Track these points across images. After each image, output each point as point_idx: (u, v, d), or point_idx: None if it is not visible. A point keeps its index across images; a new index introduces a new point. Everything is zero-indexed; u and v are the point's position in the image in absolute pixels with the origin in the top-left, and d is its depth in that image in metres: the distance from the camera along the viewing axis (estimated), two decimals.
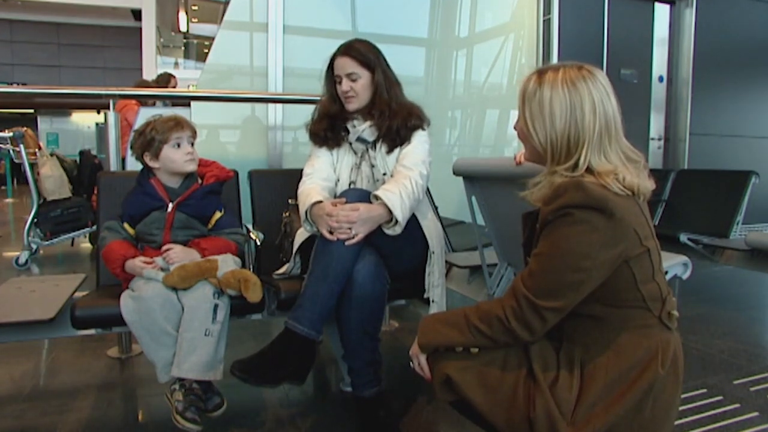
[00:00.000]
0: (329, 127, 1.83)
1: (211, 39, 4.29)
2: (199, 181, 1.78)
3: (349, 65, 1.76)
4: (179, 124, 1.71)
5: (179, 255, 1.59)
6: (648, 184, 1.06)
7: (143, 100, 4.28)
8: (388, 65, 1.83)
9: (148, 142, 1.68)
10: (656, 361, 1.02)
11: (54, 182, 4.16)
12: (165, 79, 4.85)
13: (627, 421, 0.99)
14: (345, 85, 1.76)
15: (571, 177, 1.03)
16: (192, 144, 1.74)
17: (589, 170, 1.04)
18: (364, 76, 1.77)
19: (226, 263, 1.60)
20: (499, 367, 1.08)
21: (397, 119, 1.77)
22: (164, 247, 1.62)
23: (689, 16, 4.72)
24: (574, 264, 0.98)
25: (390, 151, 1.79)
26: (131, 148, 1.74)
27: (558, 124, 1.05)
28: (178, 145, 1.69)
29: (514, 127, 1.18)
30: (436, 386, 1.13)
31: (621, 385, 1.01)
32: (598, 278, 1.00)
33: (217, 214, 1.76)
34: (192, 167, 1.73)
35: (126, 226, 1.69)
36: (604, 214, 0.97)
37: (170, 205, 1.69)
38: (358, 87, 1.76)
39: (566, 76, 1.06)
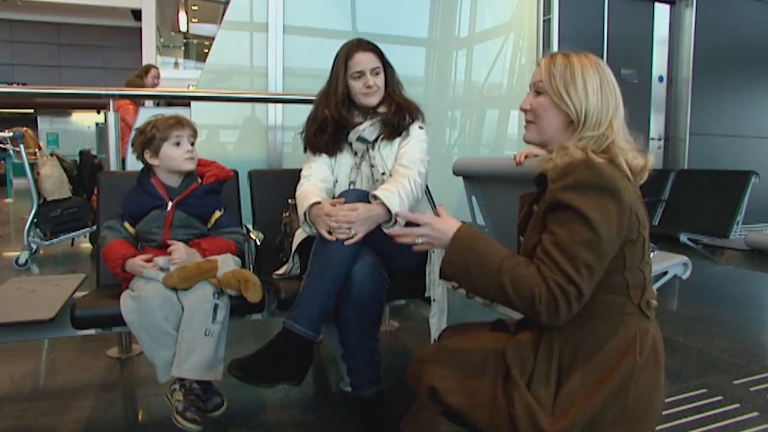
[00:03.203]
0: (331, 139, 1.82)
1: (211, 39, 4.29)
2: (199, 180, 1.78)
3: (374, 60, 1.79)
4: (180, 122, 1.72)
5: (182, 255, 1.59)
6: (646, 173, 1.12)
7: (138, 100, 4.28)
8: None
9: (148, 139, 1.70)
10: (634, 348, 1.03)
11: (54, 182, 4.15)
12: (144, 70, 4.88)
13: (609, 409, 1.00)
14: (370, 79, 1.77)
15: (593, 151, 1.06)
16: (192, 143, 1.75)
17: (605, 149, 1.07)
18: (382, 71, 1.81)
19: (226, 263, 1.60)
20: (479, 372, 1.10)
21: (399, 111, 1.80)
22: (170, 244, 1.61)
23: (689, 16, 4.72)
24: (595, 249, 0.98)
25: (389, 139, 1.79)
26: (132, 145, 1.75)
27: (590, 93, 1.10)
28: (178, 144, 1.71)
29: (521, 107, 1.19)
30: (423, 398, 1.14)
31: (599, 373, 1.02)
32: (610, 259, 1.01)
33: (217, 214, 1.76)
34: (190, 166, 1.73)
35: (126, 225, 1.70)
36: (613, 196, 0.98)
37: (170, 204, 1.69)
38: (379, 81, 1.80)
39: (588, 57, 1.13)
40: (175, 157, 1.70)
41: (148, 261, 1.58)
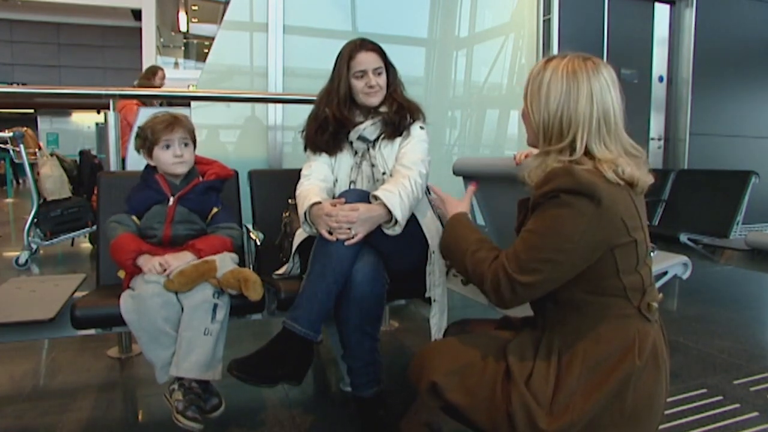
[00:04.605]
0: (331, 138, 1.82)
1: (211, 39, 4.29)
2: (200, 178, 1.79)
3: (377, 60, 1.78)
4: (170, 125, 1.72)
5: (174, 265, 1.56)
6: (647, 179, 1.09)
7: (144, 100, 4.28)
8: None
9: (143, 140, 1.73)
10: (633, 351, 1.03)
11: (54, 182, 4.16)
12: (152, 72, 4.88)
13: (608, 411, 1.01)
14: (373, 79, 1.77)
15: (568, 161, 1.07)
16: (186, 145, 1.75)
17: (590, 157, 1.07)
18: (384, 71, 1.81)
19: (224, 263, 1.60)
20: (479, 369, 1.11)
21: (400, 111, 1.80)
22: (169, 240, 1.63)
23: (689, 16, 4.72)
24: (555, 244, 1.01)
25: (389, 139, 1.79)
26: (135, 142, 1.77)
27: (552, 105, 1.09)
28: (168, 147, 1.71)
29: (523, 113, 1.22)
30: (424, 393, 1.14)
31: (598, 374, 1.02)
32: (578, 262, 1.02)
33: (214, 210, 1.77)
34: (180, 170, 1.74)
35: (134, 218, 1.70)
36: (591, 200, 0.99)
37: (171, 199, 1.70)
38: (381, 81, 1.80)
39: (569, 64, 1.10)
40: (164, 160, 1.72)
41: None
